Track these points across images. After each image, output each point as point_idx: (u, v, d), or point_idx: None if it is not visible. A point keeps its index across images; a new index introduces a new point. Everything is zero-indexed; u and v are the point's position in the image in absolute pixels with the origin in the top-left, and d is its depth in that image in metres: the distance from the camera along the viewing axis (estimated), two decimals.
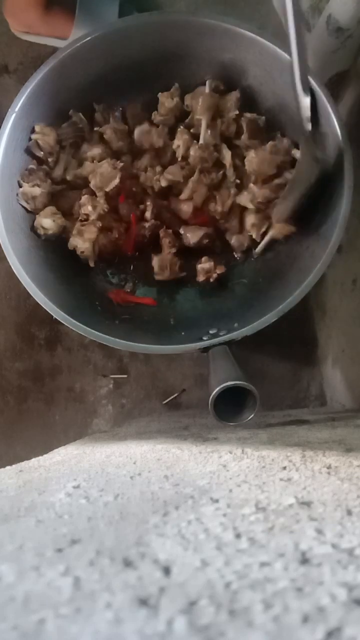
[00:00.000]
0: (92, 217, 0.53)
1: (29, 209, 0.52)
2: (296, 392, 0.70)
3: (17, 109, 0.48)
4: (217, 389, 0.38)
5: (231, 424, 0.40)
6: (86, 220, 0.53)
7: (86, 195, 0.54)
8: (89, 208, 0.53)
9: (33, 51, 0.71)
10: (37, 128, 0.51)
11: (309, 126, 0.45)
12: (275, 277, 0.54)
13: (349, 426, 0.42)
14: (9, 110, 0.48)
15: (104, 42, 0.49)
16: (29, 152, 0.52)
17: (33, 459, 0.43)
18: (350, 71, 0.53)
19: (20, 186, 0.51)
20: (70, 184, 0.55)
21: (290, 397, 0.70)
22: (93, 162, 0.54)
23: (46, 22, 0.61)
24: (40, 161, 0.53)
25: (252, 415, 0.39)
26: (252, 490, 0.24)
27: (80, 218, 0.54)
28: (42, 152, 0.52)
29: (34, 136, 0.51)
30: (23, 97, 0.48)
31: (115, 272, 0.59)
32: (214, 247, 0.58)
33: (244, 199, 0.54)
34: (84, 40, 0.48)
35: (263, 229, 0.55)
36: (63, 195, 0.55)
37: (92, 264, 0.55)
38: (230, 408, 0.40)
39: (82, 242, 0.53)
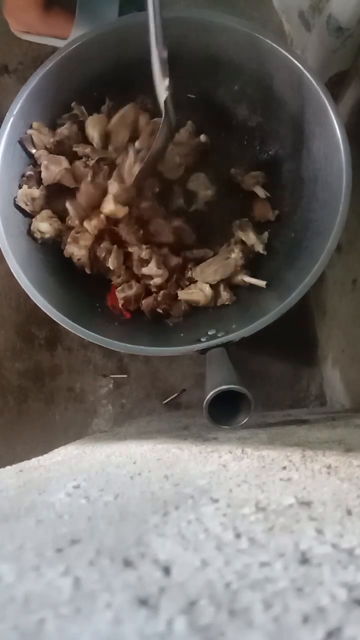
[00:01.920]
0: (76, 229, 0.53)
1: (28, 211, 0.52)
2: (296, 392, 0.70)
3: (16, 111, 0.48)
4: (211, 393, 0.38)
5: (225, 427, 0.40)
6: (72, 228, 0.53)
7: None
8: (76, 222, 0.53)
9: (33, 51, 0.72)
10: (34, 125, 0.51)
11: (165, 93, 0.46)
12: (275, 277, 0.54)
13: (349, 426, 0.42)
14: (8, 112, 0.48)
15: (103, 42, 0.49)
16: (22, 144, 0.51)
17: (33, 459, 0.43)
18: (350, 71, 0.53)
19: (20, 187, 0.51)
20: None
21: (290, 397, 0.70)
22: (86, 163, 0.53)
23: (46, 22, 0.61)
24: (34, 160, 0.53)
25: (246, 420, 0.40)
26: (252, 490, 0.24)
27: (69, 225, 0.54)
28: (34, 150, 0.52)
29: (30, 131, 0.51)
30: (22, 98, 0.48)
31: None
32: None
33: None
34: (84, 40, 0.48)
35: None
36: (57, 197, 0.54)
37: (88, 271, 0.55)
38: (227, 410, 0.40)
39: (77, 250, 0.53)
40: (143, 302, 0.55)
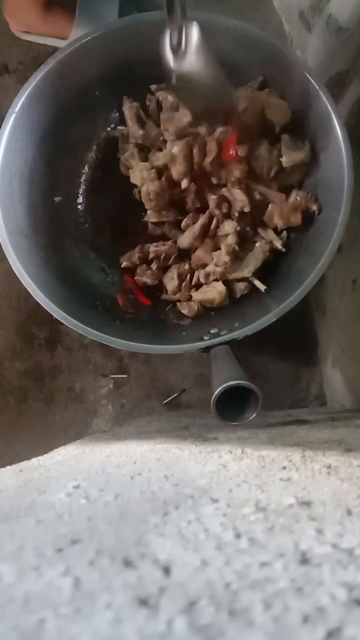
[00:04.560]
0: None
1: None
2: (296, 392, 0.70)
3: (17, 109, 0.48)
4: (220, 388, 0.38)
5: (233, 423, 0.40)
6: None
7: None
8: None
9: (33, 51, 0.72)
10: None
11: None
12: (276, 277, 0.54)
13: (349, 426, 0.42)
14: (9, 110, 0.48)
15: (103, 42, 0.49)
16: None
17: (33, 459, 0.43)
18: (350, 71, 0.53)
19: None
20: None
21: (290, 397, 0.70)
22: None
23: (46, 22, 0.61)
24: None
25: (255, 415, 0.39)
26: (252, 490, 0.24)
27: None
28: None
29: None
30: (23, 97, 0.48)
31: (114, 270, 0.59)
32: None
33: None
34: (84, 40, 0.48)
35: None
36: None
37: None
38: (232, 408, 0.40)
39: (138, 177, 0.54)
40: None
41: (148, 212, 0.56)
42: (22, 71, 0.72)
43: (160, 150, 0.55)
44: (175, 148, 0.52)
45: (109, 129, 0.58)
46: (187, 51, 0.42)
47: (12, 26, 0.64)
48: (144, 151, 0.57)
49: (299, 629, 0.13)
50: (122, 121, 0.57)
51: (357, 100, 0.54)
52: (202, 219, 0.54)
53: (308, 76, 0.47)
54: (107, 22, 0.52)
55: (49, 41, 0.64)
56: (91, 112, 0.56)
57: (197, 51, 0.42)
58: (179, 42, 0.41)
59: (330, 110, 0.46)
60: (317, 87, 0.47)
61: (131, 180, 0.56)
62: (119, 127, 0.58)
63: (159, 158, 0.54)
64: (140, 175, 0.55)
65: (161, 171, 0.55)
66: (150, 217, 0.56)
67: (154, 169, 0.54)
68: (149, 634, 0.13)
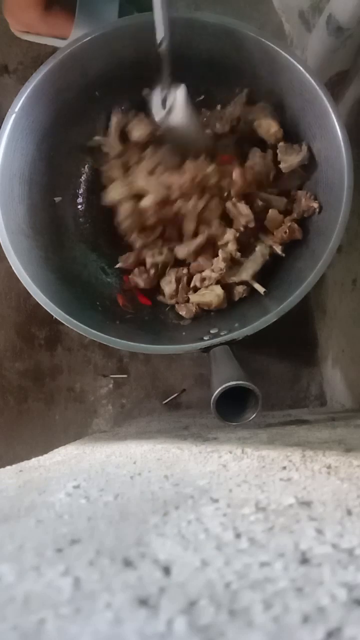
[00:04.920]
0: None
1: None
2: (296, 392, 0.70)
3: (17, 109, 0.48)
4: (220, 388, 0.38)
5: (233, 423, 0.40)
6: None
7: None
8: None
9: (33, 51, 0.72)
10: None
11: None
12: (276, 277, 0.54)
13: (349, 426, 0.42)
14: (9, 110, 0.48)
15: (103, 42, 0.49)
16: None
17: (33, 459, 0.43)
18: (350, 71, 0.53)
19: None
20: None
21: (290, 397, 0.70)
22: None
23: (46, 22, 0.61)
24: None
25: (254, 415, 0.39)
26: (252, 490, 0.24)
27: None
28: None
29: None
30: (23, 97, 0.48)
31: (114, 270, 0.59)
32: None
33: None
34: (84, 40, 0.48)
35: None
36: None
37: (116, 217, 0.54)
38: (232, 408, 0.40)
39: (116, 192, 0.53)
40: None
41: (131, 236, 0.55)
42: (22, 71, 0.72)
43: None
44: (147, 200, 0.51)
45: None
46: (173, 108, 0.50)
47: (12, 26, 0.64)
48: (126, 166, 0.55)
49: (299, 629, 0.13)
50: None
51: (357, 100, 0.54)
52: (199, 239, 0.54)
53: (308, 76, 0.47)
54: (107, 22, 0.52)
55: (49, 41, 0.64)
56: (91, 112, 0.56)
57: (182, 109, 0.50)
58: (166, 101, 0.49)
59: (330, 110, 0.46)
60: (317, 87, 0.46)
61: (105, 197, 0.54)
62: (95, 138, 0.56)
63: (138, 177, 0.53)
64: (114, 194, 0.53)
65: (140, 192, 0.53)
66: (135, 240, 0.55)
67: (128, 187, 0.53)
68: (149, 634, 0.13)
